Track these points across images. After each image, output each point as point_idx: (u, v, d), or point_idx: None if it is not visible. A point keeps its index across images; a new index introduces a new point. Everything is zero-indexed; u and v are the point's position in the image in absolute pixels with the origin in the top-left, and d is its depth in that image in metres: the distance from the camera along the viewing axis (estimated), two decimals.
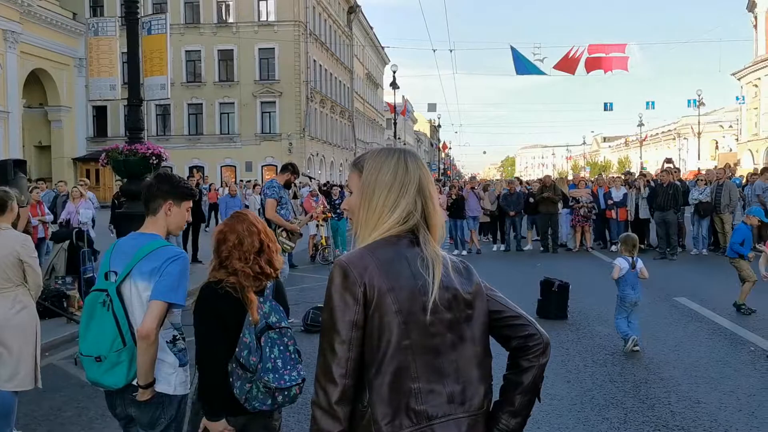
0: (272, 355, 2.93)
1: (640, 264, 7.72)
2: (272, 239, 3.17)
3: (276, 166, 39.16)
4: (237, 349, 2.91)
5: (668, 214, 15.61)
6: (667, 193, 15.76)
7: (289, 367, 2.96)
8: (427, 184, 2.01)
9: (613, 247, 17.22)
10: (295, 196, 15.86)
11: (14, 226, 5.16)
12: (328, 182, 33.99)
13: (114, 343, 3.04)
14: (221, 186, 25.38)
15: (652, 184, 17.28)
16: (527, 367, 1.98)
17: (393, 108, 46.36)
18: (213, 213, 23.07)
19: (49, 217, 12.16)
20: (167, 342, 3.17)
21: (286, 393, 2.95)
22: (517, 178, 21.18)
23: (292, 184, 10.06)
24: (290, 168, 8.87)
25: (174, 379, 3.17)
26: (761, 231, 11.99)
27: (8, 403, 4.79)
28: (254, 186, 23.31)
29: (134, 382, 3.08)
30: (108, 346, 3.04)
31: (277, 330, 3.01)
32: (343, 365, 1.84)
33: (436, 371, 1.89)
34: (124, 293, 3.11)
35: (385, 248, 1.91)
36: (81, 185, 13.97)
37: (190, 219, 3.47)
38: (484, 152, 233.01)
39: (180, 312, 3.28)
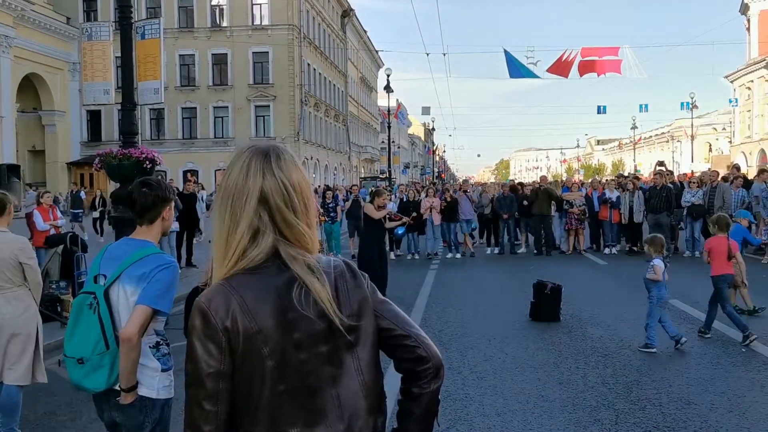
0: None
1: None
2: None
3: None
4: None
5: (661, 217, 15.68)
6: (660, 195, 15.83)
7: None
8: (272, 192, 1.69)
9: (606, 250, 17.31)
10: None
11: None
12: (327, 186, 34.08)
13: (97, 346, 3.06)
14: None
15: (644, 186, 17.37)
16: (418, 395, 1.78)
17: (387, 114, 46.35)
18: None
19: (62, 222, 12.17)
20: (150, 347, 3.18)
21: None
22: (512, 181, 21.18)
23: None
24: None
25: (157, 383, 3.18)
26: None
27: (13, 398, 4.98)
28: None
29: (117, 387, 3.09)
30: (91, 348, 3.06)
31: None
32: (212, 421, 1.64)
33: (316, 412, 1.67)
34: (112, 297, 3.13)
35: (250, 280, 1.66)
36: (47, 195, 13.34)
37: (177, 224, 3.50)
38: (479, 155, 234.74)
39: (164, 319, 3.30)
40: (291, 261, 1.69)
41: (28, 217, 11.90)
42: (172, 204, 3.40)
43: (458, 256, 17.34)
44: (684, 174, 21.66)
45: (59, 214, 12.38)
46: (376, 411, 1.77)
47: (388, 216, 12.19)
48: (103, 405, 3.22)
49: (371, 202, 11.93)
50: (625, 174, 33.53)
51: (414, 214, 16.66)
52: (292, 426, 1.65)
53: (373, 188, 25.18)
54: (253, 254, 1.68)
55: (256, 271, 1.68)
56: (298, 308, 1.66)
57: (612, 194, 17.42)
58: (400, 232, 16.54)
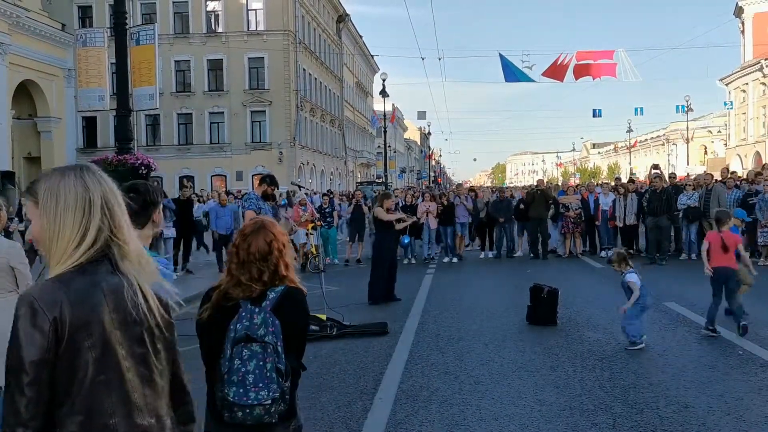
0: (244, 369, 2.78)
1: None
2: (284, 249, 3.04)
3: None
4: (221, 356, 2.86)
5: (661, 220, 15.69)
6: (660, 198, 15.84)
7: (260, 384, 2.77)
8: (110, 198, 1.93)
9: (603, 253, 17.31)
10: (290, 204, 15.91)
11: None
12: (330, 190, 34.10)
13: None
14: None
15: (641, 190, 17.41)
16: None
17: (383, 118, 46.33)
18: None
19: None
20: None
21: (247, 411, 2.78)
22: (500, 187, 21.18)
23: (283, 194, 10.08)
24: (267, 180, 8.93)
25: None
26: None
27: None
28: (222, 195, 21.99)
29: None
30: None
31: (261, 344, 2.82)
32: (33, 407, 1.74)
33: (131, 405, 1.83)
34: None
35: (79, 279, 1.83)
36: None
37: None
38: (475, 159, 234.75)
39: None
40: (124, 264, 1.89)
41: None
42: (161, 207, 3.39)
43: (455, 260, 17.34)
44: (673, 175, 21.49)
45: None
46: (170, 410, 1.99)
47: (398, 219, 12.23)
48: None
49: (380, 205, 11.94)
50: (620, 177, 33.53)
51: (414, 218, 16.68)
52: (111, 416, 1.81)
53: (377, 191, 25.07)
54: (88, 255, 1.86)
55: (85, 271, 1.84)
56: (124, 309, 1.85)
57: (607, 198, 17.46)
58: (406, 241, 16.56)
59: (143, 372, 1.87)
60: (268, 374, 2.79)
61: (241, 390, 2.77)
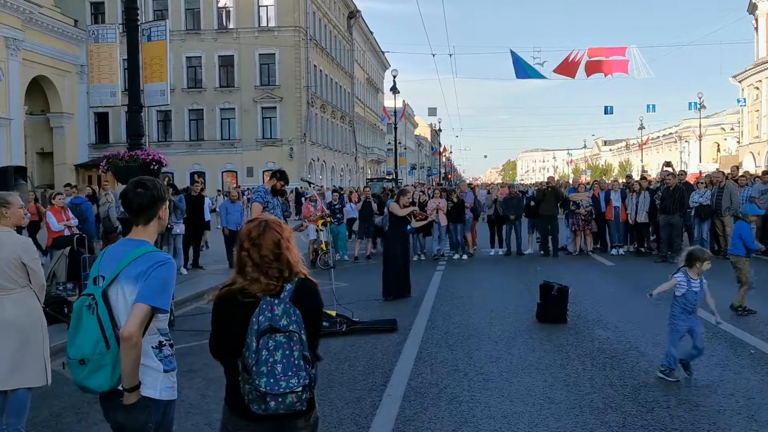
0: (272, 359, 2.83)
1: None
2: (291, 244, 3.09)
3: None
4: (244, 350, 2.89)
5: (674, 218, 15.60)
6: (673, 196, 15.75)
7: (290, 373, 2.83)
8: None
9: (613, 251, 17.23)
10: (299, 201, 15.95)
11: None
12: (339, 186, 34.16)
13: (97, 346, 3.04)
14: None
15: (652, 187, 17.33)
16: None
17: (393, 115, 46.27)
18: None
19: (74, 222, 12.22)
20: (153, 347, 3.16)
21: (280, 399, 2.82)
22: (509, 184, 21.11)
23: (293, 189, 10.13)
24: (277, 175, 8.96)
25: (159, 384, 3.16)
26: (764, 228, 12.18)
27: (21, 400, 4.96)
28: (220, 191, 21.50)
29: (120, 387, 3.07)
30: (91, 349, 3.04)
31: (286, 334, 2.87)
32: None
33: None
34: (111, 297, 3.12)
35: None
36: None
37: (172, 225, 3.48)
38: (485, 156, 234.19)
39: (167, 318, 3.28)
40: None
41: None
42: (167, 203, 3.40)
43: (465, 257, 17.31)
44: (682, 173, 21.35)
45: (71, 215, 12.46)
46: None
47: (413, 215, 12.25)
48: (108, 406, 3.21)
49: (396, 201, 11.99)
50: (631, 175, 33.45)
51: (432, 218, 16.66)
52: None
53: (385, 187, 24.92)
54: None
55: None
56: None
57: (617, 194, 17.39)
58: (409, 228, 16.50)
59: None
60: (296, 362, 2.85)
61: (272, 380, 2.82)
